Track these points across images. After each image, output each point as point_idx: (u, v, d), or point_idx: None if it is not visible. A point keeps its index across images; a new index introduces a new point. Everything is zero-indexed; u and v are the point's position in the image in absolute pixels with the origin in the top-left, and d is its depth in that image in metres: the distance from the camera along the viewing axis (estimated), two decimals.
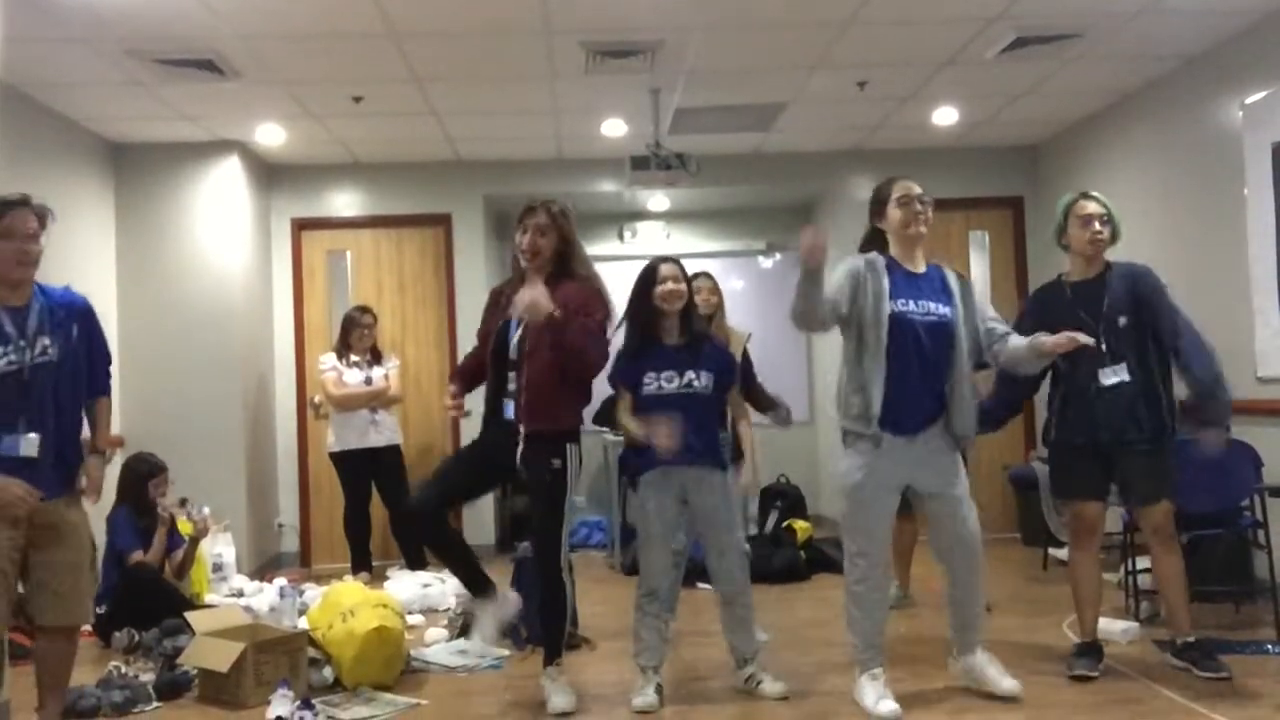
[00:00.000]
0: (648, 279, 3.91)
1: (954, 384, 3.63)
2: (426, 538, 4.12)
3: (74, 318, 3.45)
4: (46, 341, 3.34)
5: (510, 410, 3.79)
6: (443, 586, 5.68)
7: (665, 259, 3.97)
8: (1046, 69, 5.73)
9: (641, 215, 8.57)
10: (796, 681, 3.93)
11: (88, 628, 5.11)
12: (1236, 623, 4.68)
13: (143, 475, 5.23)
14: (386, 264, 7.53)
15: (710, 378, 3.84)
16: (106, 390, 3.62)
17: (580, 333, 3.66)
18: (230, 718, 3.84)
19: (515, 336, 3.79)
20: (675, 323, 3.90)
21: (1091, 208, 3.97)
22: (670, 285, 3.87)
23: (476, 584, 3.92)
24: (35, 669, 3.52)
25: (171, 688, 4.07)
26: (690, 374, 3.81)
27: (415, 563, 6.42)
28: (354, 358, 6.55)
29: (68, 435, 3.42)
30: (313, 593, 5.34)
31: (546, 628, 3.85)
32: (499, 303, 3.95)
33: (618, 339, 3.90)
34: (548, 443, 3.75)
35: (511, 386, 3.79)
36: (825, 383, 7.89)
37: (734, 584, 3.88)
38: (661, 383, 3.81)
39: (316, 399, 6.87)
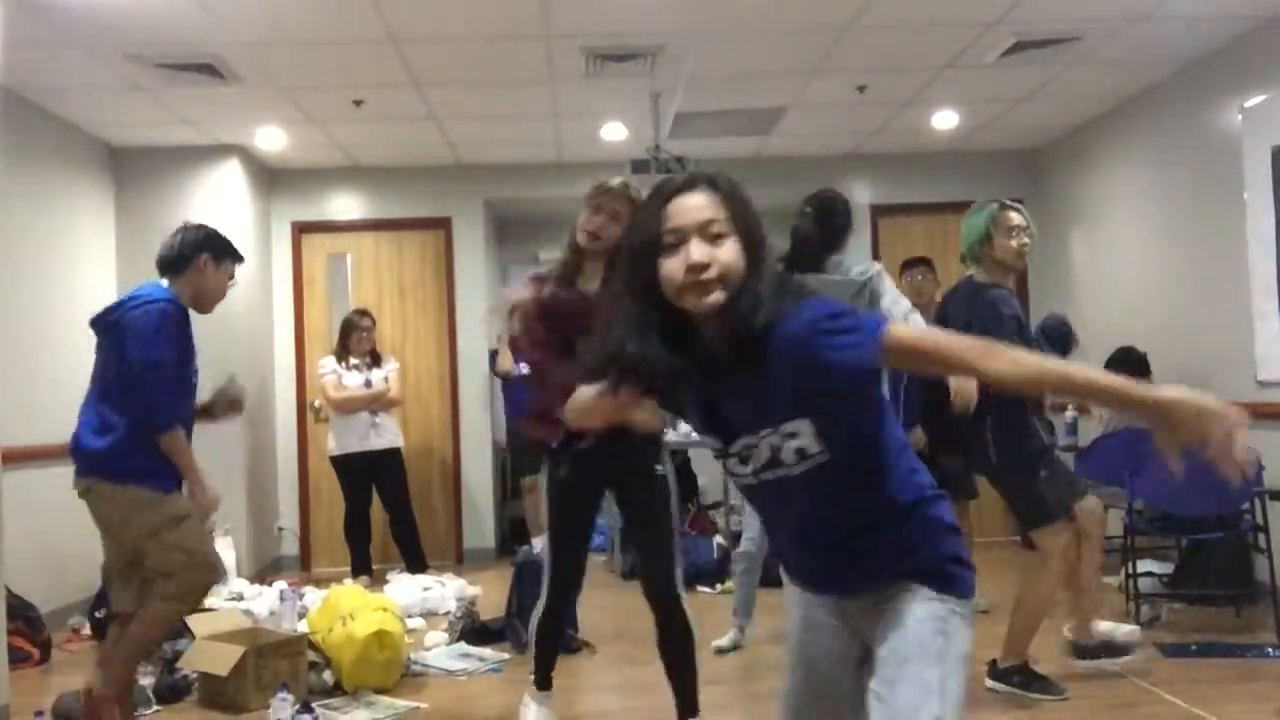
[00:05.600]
0: None
1: None
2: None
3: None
4: None
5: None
6: (442, 590, 5.67)
7: None
8: (1046, 73, 5.73)
9: None
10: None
11: (87, 630, 5.13)
12: (1238, 627, 4.69)
13: None
14: (387, 268, 7.54)
15: None
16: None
17: None
18: None
19: None
20: None
21: (1017, 218, 3.84)
22: None
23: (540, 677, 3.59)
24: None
25: (171, 691, 4.07)
26: None
27: (415, 566, 6.43)
28: (353, 361, 6.55)
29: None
30: (313, 596, 5.33)
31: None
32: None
33: None
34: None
35: None
36: None
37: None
38: None
39: (317, 403, 6.86)
